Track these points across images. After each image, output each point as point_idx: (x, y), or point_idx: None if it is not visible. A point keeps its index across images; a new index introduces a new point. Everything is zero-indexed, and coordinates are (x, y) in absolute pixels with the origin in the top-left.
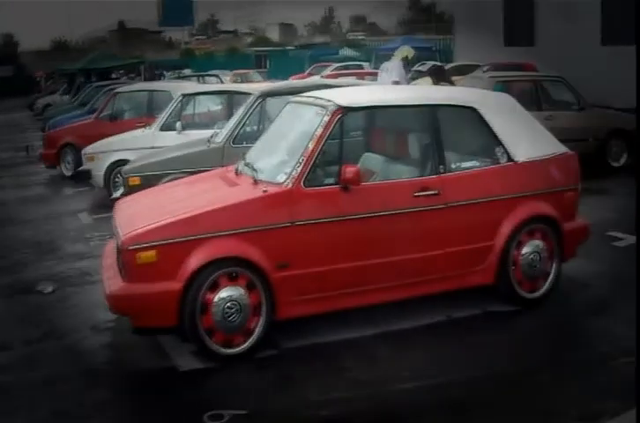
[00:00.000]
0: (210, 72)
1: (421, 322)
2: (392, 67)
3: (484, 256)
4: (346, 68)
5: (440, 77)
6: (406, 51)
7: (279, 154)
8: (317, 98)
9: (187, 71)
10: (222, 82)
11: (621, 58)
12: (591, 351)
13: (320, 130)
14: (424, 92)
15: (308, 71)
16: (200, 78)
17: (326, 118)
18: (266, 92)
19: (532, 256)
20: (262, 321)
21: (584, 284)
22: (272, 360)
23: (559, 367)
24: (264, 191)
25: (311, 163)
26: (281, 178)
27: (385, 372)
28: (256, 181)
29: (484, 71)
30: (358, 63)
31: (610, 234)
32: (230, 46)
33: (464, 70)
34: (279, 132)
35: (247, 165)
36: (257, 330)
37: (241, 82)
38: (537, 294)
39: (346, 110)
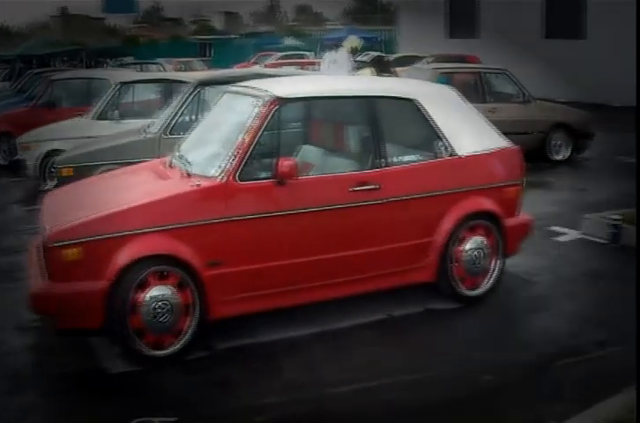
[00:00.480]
0: (153, 60)
1: (361, 320)
2: (341, 59)
3: (424, 252)
4: (289, 57)
5: (382, 67)
6: (355, 42)
7: (212, 146)
8: (253, 88)
9: (130, 59)
10: (164, 70)
11: (564, 51)
12: (535, 351)
13: (255, 122)
14: (363, 84)
15: (252, 60)
16: (142, 66)
17: (262, 109)
18: (203, 81)
19: (473, 252)
20: (193, 321)
21: (527, 280)
22: (205, 362)
23: (502, 368)
24: (196, 185)
25: (246, 156)
26: (214, 172)
27: (322, 374)
28: (188, 175)
29: (427, 63)
30: (302, 52)
31: (552, 229)
32: (174, 34)
33: (407, 62)
34: (214, 123)
35: (179, 157)
36: (189, 331)
37: (184, 70)
38: (479, 291)
39: (282, 101)
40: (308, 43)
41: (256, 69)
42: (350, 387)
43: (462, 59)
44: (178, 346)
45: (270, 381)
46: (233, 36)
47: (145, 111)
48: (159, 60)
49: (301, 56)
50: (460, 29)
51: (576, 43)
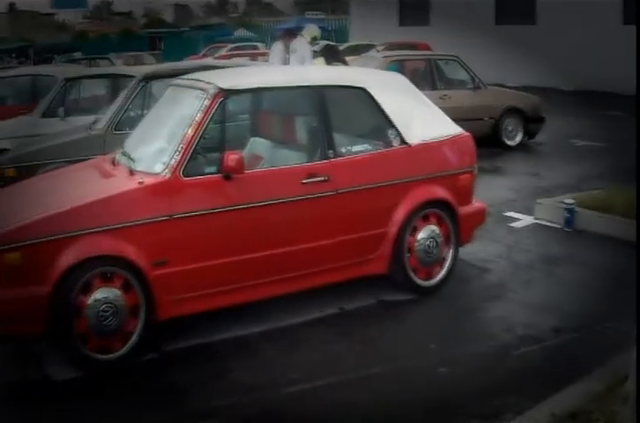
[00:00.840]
0: (102, 55)
1: (313, 315)
2: (301, 48)
3: (377, 243)
4: (240, 48)
5: (333, 56)
6: (315, 31)
7: (157, 142)
8: (198, 80)
9: (79, 55)
10: (114, 65)
11: (515, 37)
12: (491, 341)
13: (200, 115)
14: (311, 73)
15: (202, 53)
16: (91, 62)
17: (206, 102)
18: (149, 75)
19: (427, 242)
20: (140, 323)
21: (482, 268)
22: (153, 365)
23: (458, 359)
24: (140, 183)
25: (190, 151)
26: (158, 168)
27: (273, 374)
28: (132, 172)
29: (378, 51)
30: (253, 43)
31: (506, 215)
32: (124, 28)
33: (359, 50)
34: (159, 118)
35: (123, 154)
36: (136, 334)
37: (134, 65)
38: (433, 281)
39: (227, 93)
40: (259, 34)
41: (204, 61)
42: (302, 386)
43: (414, 46)
44: (125, 349)
45: (219, 382)
46: (183, 29)
47: (92, 107)
48: (109, 55)
49: (253, 47)
50: (412, 17)
51: (527, 29)
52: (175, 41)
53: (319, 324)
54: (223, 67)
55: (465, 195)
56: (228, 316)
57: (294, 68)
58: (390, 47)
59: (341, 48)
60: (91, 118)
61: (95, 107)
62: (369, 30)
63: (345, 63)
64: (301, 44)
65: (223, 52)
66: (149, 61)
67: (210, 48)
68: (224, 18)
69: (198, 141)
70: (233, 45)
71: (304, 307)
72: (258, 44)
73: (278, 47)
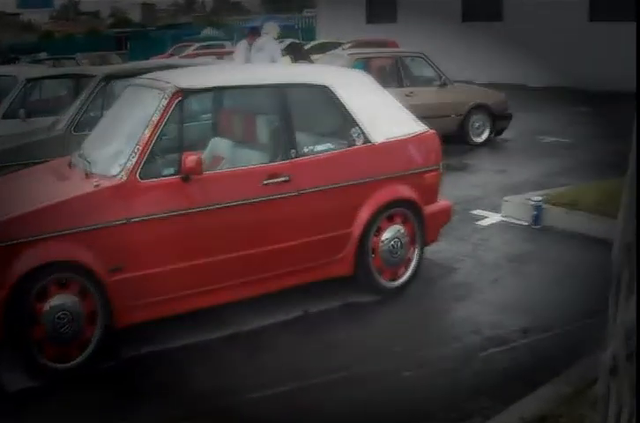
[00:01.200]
0: (68, 55)
1: (276, 319)
2: (268, 46)
3: (342, 244)
4: (207, 47)
5: (298, 55)
6: (274, 29)
7: (114, 143)
8: (156, 80)
9: (44, 55)
10: (80, 65)
11: (483, 34)
12: (459, 342)
13: (157, 116)
14: (273, 71)
15: (169, 52)
16: (55, 62)
17: (164, 101)
18: (109, 75)
19: (392, 242)
20: (98, 330)
21: (448, 268)
22: (111, 373)
23: (425, 363)
24: (96, 186)
25: (148, 152)
26: (115, 170)
27: (236, 379)
28: (88, 175)
29: (343, 49)
30: (220, 42)
31: (473, 213)
32: (91, 27)
33: (327, 48)
34: (116, 118)
35: (80, 156)
36: (94, 341)
37: (101, 65)
38: (399, 282)
39: (185, 92)
40: (226, 33)
41: (166, 60)
42: (266, 392)
43: (383, 44)
44: (83, 358)
45: (179, 391)
46: (150, 28)
47: (54, 108)
48: (76, 55)
49: (220, 46)
50: (379, 14)
51: (494, 25)
52: (142, 41)
53: (283, 328)
54: (185, 66)
55: (431, 193)
56: (190, 321)
57: (256, 66)
58: (359, 44)
59: (308, 46)
60: (52, 119)
61: (58, 107)
62: (337, 28)
63: (310, 60)
64: (269, 42)
65: (189, 51)
66: (115, 61)
67: (176, 47)
68: (191, 17)
69: (156, 142)
70: (199, 44)
71: (268, 311)
72: (225, 43)
73: (242, 45)
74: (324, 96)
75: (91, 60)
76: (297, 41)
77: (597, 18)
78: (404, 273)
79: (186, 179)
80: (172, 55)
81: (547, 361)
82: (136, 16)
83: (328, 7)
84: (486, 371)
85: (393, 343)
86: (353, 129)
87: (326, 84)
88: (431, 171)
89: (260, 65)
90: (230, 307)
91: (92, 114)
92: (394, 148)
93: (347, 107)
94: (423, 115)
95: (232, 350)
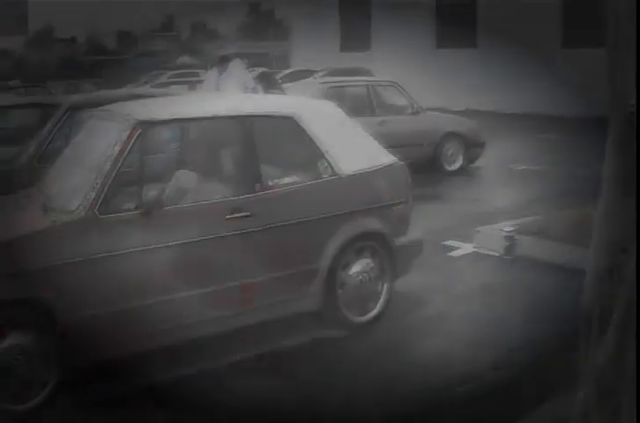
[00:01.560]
0: (39, 83)
1: (242, 355)
2: (239, 74)
3: (309, 280)
4: (180, 75)
5: (268, 84)
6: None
7: (74, 177)
8: (115, 111)
9: (16, 83)
10: (50, 93)
11: (457, 61)
12: (426, 381)
13: (117, 148)
14: (238, 102)
15: (143, 80)
16: (26, 90)
17: (124, 134)
18: (75, 104)
19: (360, 276)
20: (56, 370)
21: (419, 301)
22: (71, 415)
23: (392, 404)
24: (53, 222)
25: (107, 186)
26: (73, 205)
27: (196, 420)
28: (46, 210)
29: (315, 78)
30: (194, 70)
31: (445, 244)
32: (65, 54)
33: (300, 77)
34: (77, 151)
35: (39, 190)
36: (52, 382)
37: (74, 92)
38: (368, 317)
39: (145, 125)
40: (202, 61)
41: (132, 90)
42: None
43: (358, 72)
44: (40, 399)
45: None
46: (125, 56)
47: (21, 138)
48: (47, 83)
49: (193, 74)
50: (353, 42)
51: (468, 52)
52: (117, 68)
53: (249, 364)
54: (152, 96)
55: (401, 225)
56: (154, 360)
57: (221, 96)
58: (332, 73)
59: (282, 74)
60: (17, 150)
61: (24, 137)
62: (310, 55)
63: (281, 90)
64: (240, 69)
65: (163, 79)
66: (89, 88)
67: (150, 75)
68: (167, 44)
69: (116, 175)
70: (172, 72)
71: (235, 347)
72: (200, 71)
73: (213, 73)
74: (290, 127)
75: (65, 88)
76: (268, 71)
77: (570, 44)
78: (373, 308)
79: (148, 213)
80: (146, 83)
81: (519, 399)
82: (111, 43)
83: (302, 35)
84: (458, 409)
85: (363, 382)
86: (320, 162)
87: (292, 115)
88: (400, 203)
89: (225, 95)
90: (195, 345)
91: (57, 144)
92: (362, 180)
93: (314, 138)
94: (396, 143)
95: (193, 390)
